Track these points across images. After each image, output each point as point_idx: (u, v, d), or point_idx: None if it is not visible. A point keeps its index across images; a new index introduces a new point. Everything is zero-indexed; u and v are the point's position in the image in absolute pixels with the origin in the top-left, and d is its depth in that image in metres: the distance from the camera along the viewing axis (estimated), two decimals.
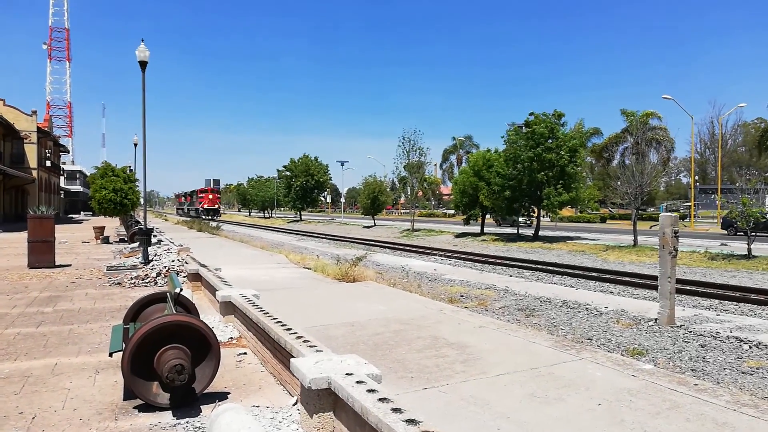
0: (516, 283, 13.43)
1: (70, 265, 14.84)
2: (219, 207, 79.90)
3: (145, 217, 18.02)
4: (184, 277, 11.33)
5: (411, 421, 2.94)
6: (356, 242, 30.90)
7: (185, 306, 5.68)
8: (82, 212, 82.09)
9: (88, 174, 49.67)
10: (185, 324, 4.62)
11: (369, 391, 3.44)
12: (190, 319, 4.72)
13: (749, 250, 19.73)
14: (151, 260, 14.41)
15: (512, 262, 19.80)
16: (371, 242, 30.55)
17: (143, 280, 11.66)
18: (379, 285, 11.50)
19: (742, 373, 6.34)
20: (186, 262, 12.45)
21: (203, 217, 70.00)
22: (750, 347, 7.31)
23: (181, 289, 5.67)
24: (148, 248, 14.90)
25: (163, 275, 11.97)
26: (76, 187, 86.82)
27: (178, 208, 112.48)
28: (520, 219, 37.90)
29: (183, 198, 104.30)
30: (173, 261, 13.44)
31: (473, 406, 4.33)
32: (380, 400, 3.27)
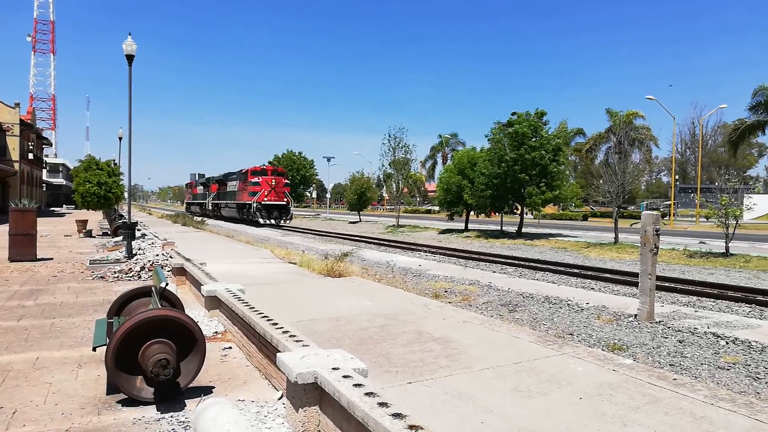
0: (499, 279, 13.54)
1: (52, 259, 14.65)
2: (290, 203, 45.26)
3: (129, 211, 17.84)
4: (169, 271, 11.26)
5: (397, 415, 2.98)
6: (342, 238, 30.87)
7: (170, 300, 5.66)
8: (64, 205, 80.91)
9: (72, 167, 49.06)
10: (170, 318, 4.61)
11: (355, 385, 3.47)
12: (175, 313, 4.72)
13: (727, 248, 20.10)
14: (135, 254, 14.28)
15: (496, 259, 19.95)
16: (357, 238, 30.55)
17: (127, 274, 11.56)
18: (365, 280, 11.53)
19: (719, 368, 6.48)
20: (170, 257, 12.37)
21: (261, 219, 42.42)
22: (727, 343, 7.47)
23: (167, 284, 5.64)
24: (132, 242, 14.76)
25: (147, 269, 11.88)
26: (59, 180, 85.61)
27: (189, 204, 74.95)
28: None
29: (201, 188, 67.15)
30: (157, 255, 13.34)
31: (457, 400, 4.38)
32: (367, 394, 3.31)
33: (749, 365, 6.53)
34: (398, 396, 4.37)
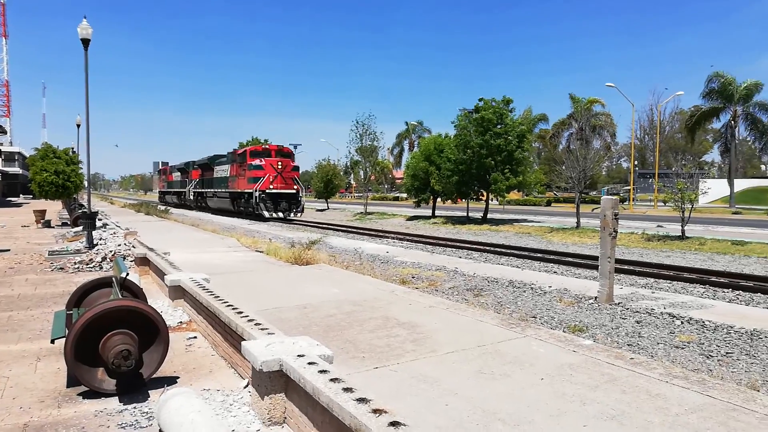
0: (465, 264, 13.72)
1: (9, 250, 14.18)
2: (300, 192, 36.77)
3: (89, 200, 17.37)
4: (132, 261, 11.04)
5: (362, 400, 3.01)
6: (310, 226, 30.73)
7: (132, 291, 5.57)
8: (21, 195, 78.13)
9: (28, 156, 47.18)
10: (131, 309, 4.54)
11: (321, 371, 3.49)
12: (136, 303, 4.64)
13: (683, 231, 20.78)
14: (96, 244, 13.94)
15: (462, 244, 20.18)
16: (325, 226, 30.45)
17: (87, 264, 11.29)
18: (333, 268, 11.52)
19: (674, 347, 6.73)
20: (133, 246, 12.12)
21: (265, 212, 34.46)
22: (682, 323, 7.76)
23: (128, 274, 5.54)
24: (93, 232, 14.39)
25: (108, 260, 11.62)
26: (15, 170, 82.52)
27: (163, 193, 64.89)
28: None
29: (179, 174, 56.60)
30: (119, 245, 13.06)
31: (423, 384, 4.45)
32: (332, 380, 3.33)
33: (702, 344, 6.80)
34: (364, 381, 4.40)
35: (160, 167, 69.29)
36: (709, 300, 9.67)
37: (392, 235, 24.04)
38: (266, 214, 34.38)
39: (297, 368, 3.58)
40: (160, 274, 8.69)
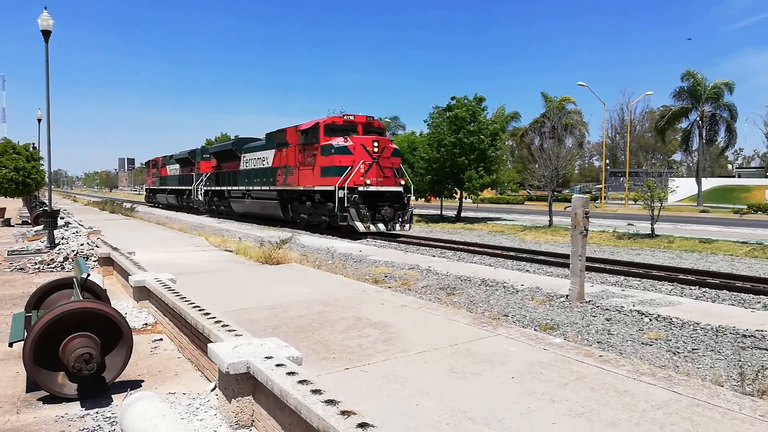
0: (438, 263, 13.73)
1: None
2: (408, 189, 23.66)
3: (50, 198, 16.91)
4: (95, 261, 10.76)
5: (330, 402, 2.95)
6: (280, 224, 30.43)
7: (94, 292, 5.40)
8: None
9: None
10: (93, 311, 4.39)
11: (289, 373, 3.42)
12: (97, 305, 4.50)
13: (653, 229, 21.21)
14: (58, 244, 13.55)
15: (435, 243, 20.22)
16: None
17: (48, 265, 10.96)
18: (304, 267, 11.41)
19: (643, 344, 6.82)
20: (97, 246, 11.80)
21: (357, 223, 21.10)
22: (650, 320, 7.88)
23: (89, 274, 5.37)
24: (55, 231, 13.99)
25: (70, 260, 11.30)
26: None
27: (153, 192, 52.90)
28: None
29: (177, 167, 43.52)
30: (82, 245, 12.72)
31: (394, 384, 4.41)
32: (300, 382, 3.27)
33: (670, 340, 6.91)
34: (334, 382, 4.34)
35: (150, 160, 53.75)
36: (677, 297, 9.85)
37: (365, 234, 23.94)
38: (360, 226, 20.99)
39: (264, 370, 3.50)
40: (125, 274, 8.47)
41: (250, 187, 28.84)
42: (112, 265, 10.12)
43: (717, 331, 7.18)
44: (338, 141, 21.78)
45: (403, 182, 22.93)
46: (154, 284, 6.79)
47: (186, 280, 8.35)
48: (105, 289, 5.78)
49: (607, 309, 8.47)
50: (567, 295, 9.14)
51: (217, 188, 34.11)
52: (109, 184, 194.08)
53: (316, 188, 22.42)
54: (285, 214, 26.03)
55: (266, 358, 3.73)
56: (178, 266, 10.23)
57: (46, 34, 13.70)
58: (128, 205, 36.98)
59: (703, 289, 11.16)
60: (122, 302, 7.81)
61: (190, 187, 39.11)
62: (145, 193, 60.61)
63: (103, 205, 39.76)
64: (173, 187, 44.88)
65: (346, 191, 20.95)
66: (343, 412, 2.82)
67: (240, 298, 7.80)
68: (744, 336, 6.89)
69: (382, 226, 21.90)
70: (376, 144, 21.86)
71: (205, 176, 36.24)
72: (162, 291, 6.28)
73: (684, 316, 7.90)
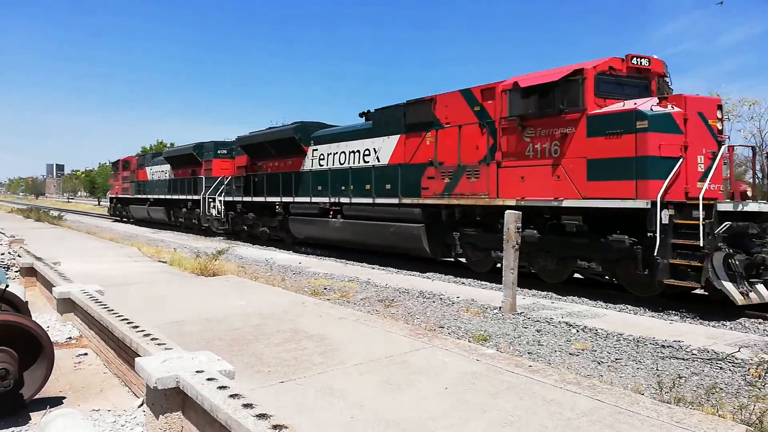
0: (378, 275, 13.79)
1: None
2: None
3: None
4: (16, 272, 10.18)
5: (262, 416, 2.93)
6: (219, 234, 29.70)
7: (13, 304, 5.11)
8: None
9: None
10: (10, 323, 4.17)
11: (220, 387, 3.37)
12: (15, 317, 4.27)
13: None
14: None
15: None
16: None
17: None
18: (241, 279, 11.20)
19: (570, 354, 7.10)
20: (19, 255, 11.16)
21: (730, 288, 8.51)
22: (577, 331, 8.21)
23: (7, 285, 5.08)
24: None
25: None
26: None
27: (124, 202, 38.90)
28: None
29: (167, 169, 31.61)
30: (3, 254, 11.99)
31: (329, 397, 4.40)
32: (231, 396, 3.22)
33: (595, 351, 7.23)
34: (268, 396, 4.29)
35: (120, 159, 40.49)
36: (602, 309, 10.30)
37: (306, 245, 23.72)
38: (738, 296, 8.83)
39: (194, 385, 3.43)
40: (49, 286, 8.05)
41: (336, 199, 17.65)
42: (36, 276, 9.59)
43: (638, 341, 7.57)
44: (646, 105, 9.93)
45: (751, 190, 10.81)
46: (79, 296, 6.49)
47: (115, 291, 8.03)
48: (26, 301, 5.48)
49: (538, 320, 8.76)
50: (500, 307, 9.40)
51: (255, 199, 22.75)
52: (35, 191, 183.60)
53: (581, 204, 10.81)
54: (434, 249, 14.91)
55: (197, 372, 3.65)
56: (107, 277, 9.81)
57: None
58: (55, 214, 35.09)
59: (626, 302, 11.72)
60: (45, 315, 7.41)
61: (193, 197, 27.95)
62: (109, 203, 45.82)
63: (28, 212, 37.54)
64: (161, 197, 31.85)
65: (668, 213, 9.57)
66: (275, 426, 2.80)
67: (172, 311, 7.56)
68: (662, 346, 7.30)
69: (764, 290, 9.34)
70: (719, 114, 10.57)
71: (228, 181, 25.46)
72: (88, 303, 6.02)
73: (608, 327, 8.28)
